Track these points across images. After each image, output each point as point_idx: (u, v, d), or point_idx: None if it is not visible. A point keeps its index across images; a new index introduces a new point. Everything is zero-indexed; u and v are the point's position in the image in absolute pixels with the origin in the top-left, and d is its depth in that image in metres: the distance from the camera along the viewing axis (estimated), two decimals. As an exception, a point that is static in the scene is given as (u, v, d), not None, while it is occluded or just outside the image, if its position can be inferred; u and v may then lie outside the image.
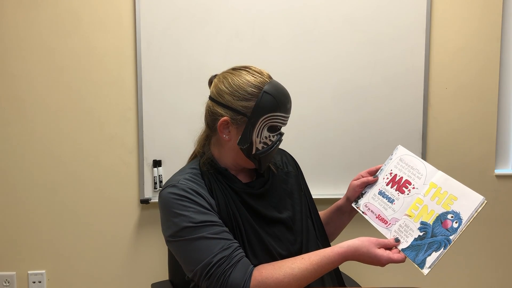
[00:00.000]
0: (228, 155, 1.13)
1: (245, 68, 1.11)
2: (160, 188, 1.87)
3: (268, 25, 1.88)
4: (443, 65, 1.97)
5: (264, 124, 1.07)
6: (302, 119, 1.91)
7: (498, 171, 2.04)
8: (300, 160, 1.35)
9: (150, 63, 1.86)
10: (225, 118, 1.07)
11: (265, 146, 1.09)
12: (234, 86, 1.07)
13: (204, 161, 1.14)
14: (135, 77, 1.88)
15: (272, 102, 1.06)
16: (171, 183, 1.09)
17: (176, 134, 1.87)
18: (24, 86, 1.88)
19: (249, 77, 1.08)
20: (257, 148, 1.09)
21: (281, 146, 1.33)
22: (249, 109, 1.06)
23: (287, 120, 1.11)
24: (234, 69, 1.13)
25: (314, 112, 1.92)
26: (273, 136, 1.10)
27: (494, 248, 2.08)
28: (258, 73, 1.09)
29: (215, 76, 1.15)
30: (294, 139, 1.91)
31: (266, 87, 1.06)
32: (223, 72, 1.13)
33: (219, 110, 1.09)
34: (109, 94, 1.89)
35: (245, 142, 1.07)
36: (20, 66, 1.87)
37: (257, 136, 1.07)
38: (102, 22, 1.87)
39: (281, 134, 1.13)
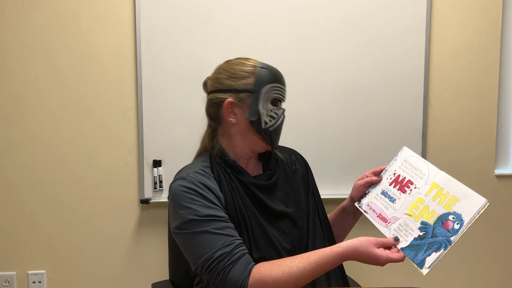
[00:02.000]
0: (237, 141, 1.15)
1: (236, 58, 1.18)
2: (162, 188, 1.89)
3: (268, 25, 1.88)
4: (443, 65, 1.97)
5: (267, 96, 1.12)
6: (302, 119, 1.91)
7: (498, 171, 2.04)
8: (300, 160, 1.35)
9: (150, 63, 1.86)
10: (229, 99, 1.11)
11: (272, 120, 1.13)
12: (231, 70, 1.13)
13: (216, 152, 1.16)
14: (135, 77, 1.88)
15: (269, 74, 1.12)
16: (181, 175, 1.11)
17: (176, 134, 1.87)
18: (24, 86, 1.88)
19: (243, 61, 1.15)
20: (265, 121, 1.12)
21: (280, 145, 1.34)
22: (250, 85, 1.11)
23: (285, 94, 1.17)
24: (226, 61, 1.18)
25: (314, 112, 1.92)
26: (277, 109, 1.14)
27: (494, 248, 2.08)
28: (248, 58, 1.16)
29: (208, 78, 1.20)
30: (294, 138, 1.90)
31: (260, 64, 1.14)
32: (216, 68, 1.19)
33: (222, 95, 1.12)
34: (109, 94, 1.89)
35: (254, 114, 1.11)
36: (20, 65, 1.87)
37: (263, 109, 1.12)
38: (102, 22, 1.86)
39: (283, 109, 1.17)
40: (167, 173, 1.88)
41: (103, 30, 1.87)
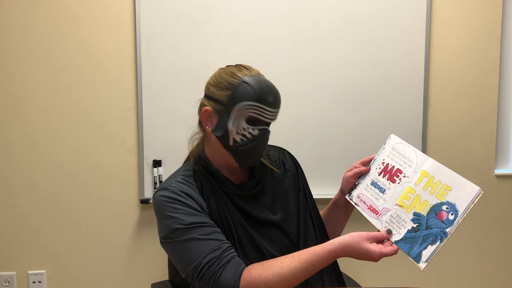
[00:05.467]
0: (216, 150, 1.13)
1: (236, 65, 1.13)
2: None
3: (268, 26, 1.88)
4: (443, 66, 1.97)
5: (241, 113, 1.05)
6: (303, 119, 1.91)
7: (498, 171, 2.04)
8: (301, 160, 1.34)
9: (150, 64, 1.86)
10: (206, 108, 1.09)
11: (244, 139, 1.07)
12: (219, 78, 1.10)
13: (195, 159, 1.15)
14: (135, 77, 1.88)
15: (249, 91, 1.04)
16: (163, 186, 1.11)
17: (176, 134, 1.87)
18: (24, 86, 1.88)
19: (235, 71, 1.09)
20: (234, 140, 1.07)
21: (281, 146, 1.33)
22: (226, 98, 1.06)
23: (272, 115, 1.08)
24: (226, 66, 1.15)
25: (314, 112, 1.93)
26: (253, 129, 1.07)
27: (494, 248, 2.07)
28: (246, 68, 1.10)
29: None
30: (294, 139, 1.91)
31: (246, 78, 1.06)
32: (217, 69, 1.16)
33: (204, 101, 1.11)
34: (109, 94, 1.90)
35: (220, 129, 1.07)
36: (19, 66, 1.87)
37: (233, 126, 1.06)
38: (102, 22, 1.87)
39: (267, 131, 1.10)
40: (167, 173, 1.87)
41: (103, 30, 1.87)
